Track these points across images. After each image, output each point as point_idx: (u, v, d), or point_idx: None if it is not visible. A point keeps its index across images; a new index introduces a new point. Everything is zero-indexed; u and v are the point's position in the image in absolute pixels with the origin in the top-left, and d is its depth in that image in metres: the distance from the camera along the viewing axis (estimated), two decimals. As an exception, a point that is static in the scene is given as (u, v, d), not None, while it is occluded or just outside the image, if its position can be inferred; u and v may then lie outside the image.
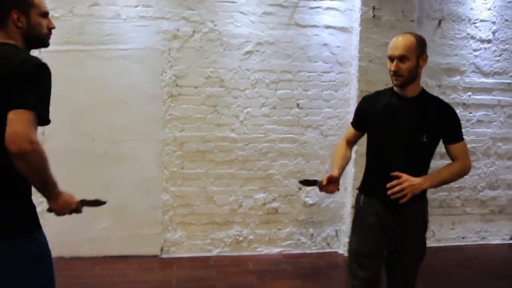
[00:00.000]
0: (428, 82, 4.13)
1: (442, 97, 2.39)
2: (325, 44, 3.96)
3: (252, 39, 3.90)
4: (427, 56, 2.13)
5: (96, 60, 3.76)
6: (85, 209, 2.18)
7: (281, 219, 4.10)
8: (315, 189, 3.94)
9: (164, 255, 3.96)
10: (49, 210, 1.86)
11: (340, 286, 3.58)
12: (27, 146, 1.55)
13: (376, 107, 2.23)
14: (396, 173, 2.08)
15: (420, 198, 2.18)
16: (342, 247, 4.13)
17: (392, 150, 2.17)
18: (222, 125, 3.95)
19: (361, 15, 3.82)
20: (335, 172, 2.24)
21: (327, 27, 3.96)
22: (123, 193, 3.87)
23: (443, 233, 4.43)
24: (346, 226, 4.06)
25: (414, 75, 2.10)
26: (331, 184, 2.21)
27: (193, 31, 3.83)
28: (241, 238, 4.06)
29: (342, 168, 2.32)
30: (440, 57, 4.24)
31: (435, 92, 3.80)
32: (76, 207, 1.94)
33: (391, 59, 2.09)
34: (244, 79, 3.93)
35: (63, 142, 3.80)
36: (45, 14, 1.85)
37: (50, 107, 1.73)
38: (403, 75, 2.07)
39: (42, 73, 1.70)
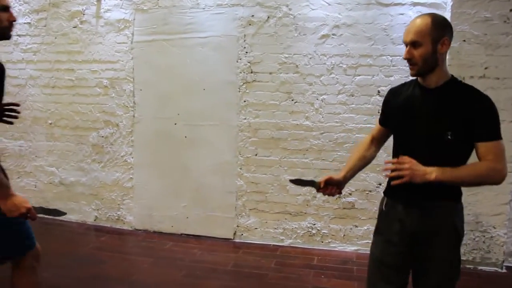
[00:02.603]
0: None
1: None
2: (411, 24, 3.67)
3: (329, 22, 3.80)
4: (448, 39, 1.84)
5: (178, 48, 4.13)
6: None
7: (358, 215, 3.96)
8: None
9: (237, 240, 4.18)
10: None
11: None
12: None
13: (399, 101, 2.03)
14: (403, 157, 1.86)
15: (450, 202, 1.91)
16: (427, 253, 3.82)
17: (414, 149, 1.91)
18: (297, 112, 3.97)
19: (453, -13, 3.44)
20: (339, 174, 2.14)
21: (415, 4, 3.64)
22: (201, 175, 4.20)
23: None
24: (432, 230, 3.74)
25: (432, 63, 1.84)
26: (330, 187, 2.12)
27: (268, 17, 3.92)
28: (314, 231, 4.05)
29: (352, 171, 2.18)
30: None
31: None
32: (26, 212, 1.96)
33: (406, 45, 1.89)
34: (319, 64, 3.87)
35: (150, 125, 4.29)
36: (4, 8, 2.01)
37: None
38: (417, 63, 1.85)
39: None
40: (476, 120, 1.81)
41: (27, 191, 4.81)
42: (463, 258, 3.64)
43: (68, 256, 3.76)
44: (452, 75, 1.92)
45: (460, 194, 1.96)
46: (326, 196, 3.89)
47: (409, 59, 1.87)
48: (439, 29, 1.82)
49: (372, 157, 2.23)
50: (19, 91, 4.66)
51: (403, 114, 1.99)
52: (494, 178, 1.83)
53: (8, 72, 4.93)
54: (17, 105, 2.27)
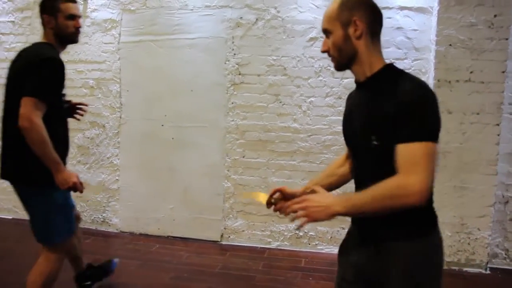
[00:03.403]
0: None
1: None
2: (399, 28, 3.71)
3: (317, 25, 3.83)
4: (359, 20, 1.48)
5: (166, 50, 4.14)
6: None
7: (345, 218, 3.98)
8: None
9: (224, 242, 4.19)
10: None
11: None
12: (26, 124, 2.19)
13: (346, 107, 1.71)
14: (312, 187, 1.53)
15: (406, 240, 1.46)
16: (413, 255, 3.87)
17: (355, 161, 1.63)
18: (284, 114, 4.00)
19: (440, -8, 3.50)
20: (298, 189, 1.70)
21: (402, 8, 3.71)
22: (188, 177, 4.20)
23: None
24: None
25: (349, 52, 1.52)
26: (282, 201, 1.71)
27: (256, 19, 3.95)
28: (301, 233, 4.08)
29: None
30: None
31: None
32: (73, 186, 2.38)
33: None
34: (307, 67, 3.91)
35: (137, 127, 4.28)
36: (71, 17, 2.44)
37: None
38: (334, 55, 1.55)
39: (47, 66, 2.29)
40: (396, 116, 1.37)
41: (8, 193, 4.72)
42: (448, 259, 3.73)
43: (53, 259, 3.72)
44: (390, 64, 1.55)
45: (430, 226, 1.51)
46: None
47: (327, 52, 1.57)
48: (346, 10, 1.50)
49: (346, 174, 1.80)
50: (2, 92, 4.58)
51: (345, 122, 1.69)
52: (402, 199, 1.33)
53: (-9, 71, 4.84)
54: (86, 104, 2.85)
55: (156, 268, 3.58)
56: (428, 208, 1.50)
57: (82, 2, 4.27)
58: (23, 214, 4.68)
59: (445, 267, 3.73)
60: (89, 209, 4.49)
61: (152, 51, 4.16)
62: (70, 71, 4.37)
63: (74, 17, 2.45)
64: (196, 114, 4.14)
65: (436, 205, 3.78)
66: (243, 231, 4.18)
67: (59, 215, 2.49)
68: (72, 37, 2.48)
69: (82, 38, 4.34)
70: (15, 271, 3.47)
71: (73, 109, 2.76)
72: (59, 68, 2.31)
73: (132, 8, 4.17)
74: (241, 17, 3.97)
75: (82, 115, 2.81)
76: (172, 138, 4.21)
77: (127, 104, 4.28)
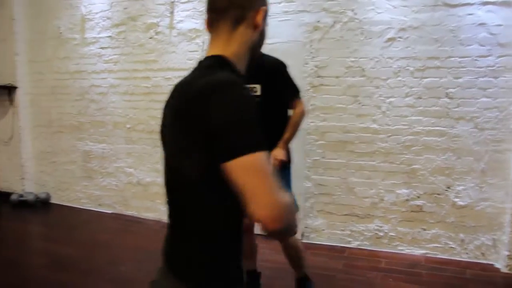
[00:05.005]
0: None
1: None
2: (481, 24, 3.71)
3: (394, 25, 3.96)
4: None
5: (247, 55, 4.48)
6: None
7: (426, 219, 4.08)
8: (467, 189, 3.83)
9: (305, 240, 4.45)
10: None
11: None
12: None
13: None
14: None
15: None
16: (500, 261, 3.83)
17: None
18: (363, 115, 4.16)
19: (525, -14, 3.46)
20: None
21: (484, 3, 3.70)
22: (269, 178, 4.51)
23: None
24: (506, 237, 3.76)
25: None
26: None
27: (334, 22, 4.15)
28: (381, 234, 4.22)
29: None
30: None
31: None
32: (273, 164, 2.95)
33: None
34: (386, 67, 4.04)
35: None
36: None
37: None
38: None
39: None
40: None
41: (109, 190, 5.40)
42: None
43: (145, 251, 4.23)
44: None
45: None
46: (394, 199, 4.05)
47: None
48: None
49: None
50: (102, 99, 5.27)
51: None
52: None
53: (92, 81, 5.53)
54: None
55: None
56: None
57: (169, 15, 4.75)
58: (121, 209, 5.37)
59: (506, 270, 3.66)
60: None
61: (234, 57, 4.51)
62: (159, 78, 4.92)
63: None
64: (276, 117, 4.42)
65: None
66: (323, 230, 4.41)
67: None
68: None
69: (169, 47, 4.87)
70: (112, 261, 4.03)
71: None
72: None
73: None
74: (318, 21, 4.19)
75: None
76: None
77: (211, 108, 4.68)
